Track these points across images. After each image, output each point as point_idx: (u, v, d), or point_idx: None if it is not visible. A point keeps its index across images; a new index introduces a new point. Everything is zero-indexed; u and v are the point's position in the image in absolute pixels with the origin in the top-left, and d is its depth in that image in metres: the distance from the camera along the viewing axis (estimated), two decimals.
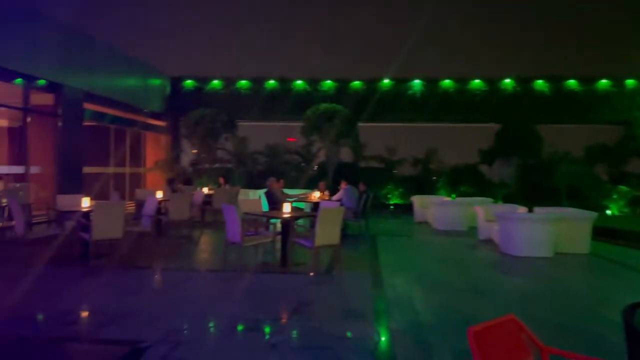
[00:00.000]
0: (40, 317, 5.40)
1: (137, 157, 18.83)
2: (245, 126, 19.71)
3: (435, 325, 5.23)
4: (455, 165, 18.44)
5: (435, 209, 12.93)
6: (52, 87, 12.86)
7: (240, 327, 5.06)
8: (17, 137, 14.05)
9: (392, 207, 18.21)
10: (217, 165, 18.68)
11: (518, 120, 18.20)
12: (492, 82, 19.09)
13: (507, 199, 16.52)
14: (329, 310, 5.75)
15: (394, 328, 5.07)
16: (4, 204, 9.98)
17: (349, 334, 4.89)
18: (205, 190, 13.91)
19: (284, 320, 5.34)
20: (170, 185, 13.47)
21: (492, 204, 12.59)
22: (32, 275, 7.12)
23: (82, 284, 6.81)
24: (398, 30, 13.74)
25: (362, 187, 11.80)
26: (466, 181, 17.91)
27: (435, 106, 19.07)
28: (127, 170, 18.15)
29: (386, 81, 19.19)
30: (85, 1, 11.31)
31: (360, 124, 18.18)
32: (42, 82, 12.49)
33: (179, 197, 11.09)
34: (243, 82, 19.52)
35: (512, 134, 17.91)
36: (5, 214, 9.85)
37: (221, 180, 15.14)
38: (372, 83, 19.25)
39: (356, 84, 19.24)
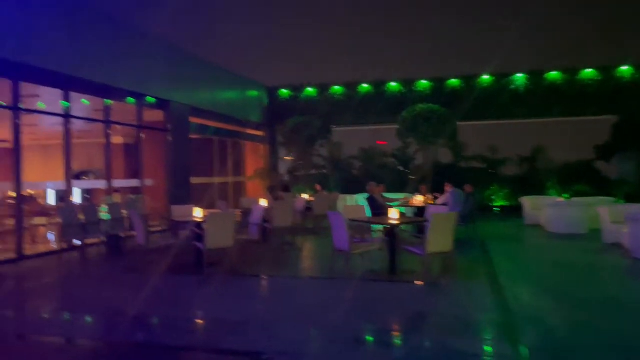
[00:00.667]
0: (162, 325, 5.60)
1: (238, 166, 19.55)
2: (339, 131, 19.71)
3: (576, 343, 4.68)
4: (566, 162, 17.04)
5: (549, 210, 11.96)
6: (161, 104, 13.67)
7: (359, 339, 4.89)
8: (131, 152, 15.13)
9: (497, 209, 17.22)
10: (313, 171, 18.84)
11: (639, 111, 16.43)
12: (607, 70, 17.43)
13: (629, 198, 14.93)
14: (450, 322, 5.38)
15: (529, 345, 4.62)
16: (124, 215, 10.71)
17: (478, 351, 4.53)
18: (306, 196, 14.02)
19: (404, 333, 5.09)
20: (272, 193, 13.74)
21: (617, 204, 11.40)
22: (153, 283, 7.48)
23: (199, 293, 7.03)
24: (497, 22, 12.94)
25: (468, 188, 11.21)
26: (580, 179, 16.47)
27: (540, 100, 17.80)
28: (230, 179, 18.89)
29: (486, 77, 18.26)
30: (184, 19, 11.86)
31: (459, 123, 17.40)
32: (152, 99, 13.31)
33: (282, 204, 11.25)
34: (337, 88, 19.56)
35: (632, 126, 16.20)
36: (126, 225, 10.56)
37: (318, 186, 15.20)
38: (470, 80, 18.41)
39: (453, 82, 18.50)
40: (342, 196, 15.81)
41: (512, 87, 18.09)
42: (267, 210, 11.05)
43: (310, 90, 19.88)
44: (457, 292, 6.62)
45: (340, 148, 19.23)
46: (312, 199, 13.76)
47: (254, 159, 20.42)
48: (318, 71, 17.51)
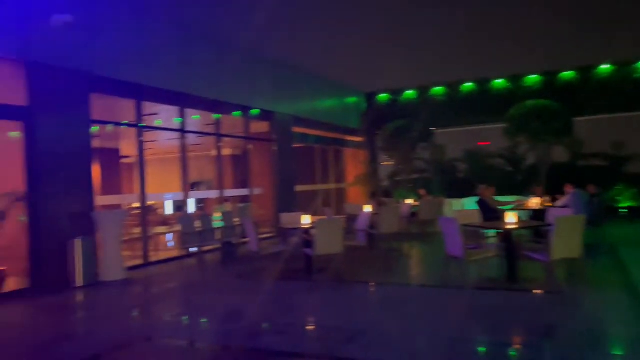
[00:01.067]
0: (277, 331, 5.65)
1: (338, 173, 19.70)
2: (440, 133, 19.08)
3: None
4: None
5: None
6: (266, 116, 14.15)
7: (480, 352, 4.59)
8: (239, 163, 15.84)
9: (624, 210, 15.61)
10: (414, 175, 18.39)
11: None
12: None
13: None
14: (582, 335, 4.85)
15: None
16: (236, 223, 11.18)
17: None
18: (411, 202, 13.71)
19: (530, 347, 4.69)
20: (374, 198, 13.59)
21: None
22: (266, 289, 7.67)
23: (311, 299, 7.08)
24: (617, 5, 11.75)
25: (591, 189, 10.28)
26: None
27: None
28: (332, 186, 19.07)
29: (605, 66, 16.69)
30: (285, 30, 12.13)
31: (575, 119, 16.04)
32: (257, 111, 13.82)
33: (388, 210, 11.07)
34: (437, 89, 18.99)
35: None
36: (238, 232, 11.01)
37: (422, 191, 14.79)
38: (586, 71, 16.94)
39: (567, 74, 17.14)
40: (447, 200, 15.25)
41: (637, 75, 16.37)
42: (372, 216, 10.96)
43: (409, 93, 19.51)
44: (588, 302, 6.02)
45: (444, 150, 18.61)
46: (416, 204, 13.42)
47: (354, 165, 20.45)
48: (418, 73, 17.12)
